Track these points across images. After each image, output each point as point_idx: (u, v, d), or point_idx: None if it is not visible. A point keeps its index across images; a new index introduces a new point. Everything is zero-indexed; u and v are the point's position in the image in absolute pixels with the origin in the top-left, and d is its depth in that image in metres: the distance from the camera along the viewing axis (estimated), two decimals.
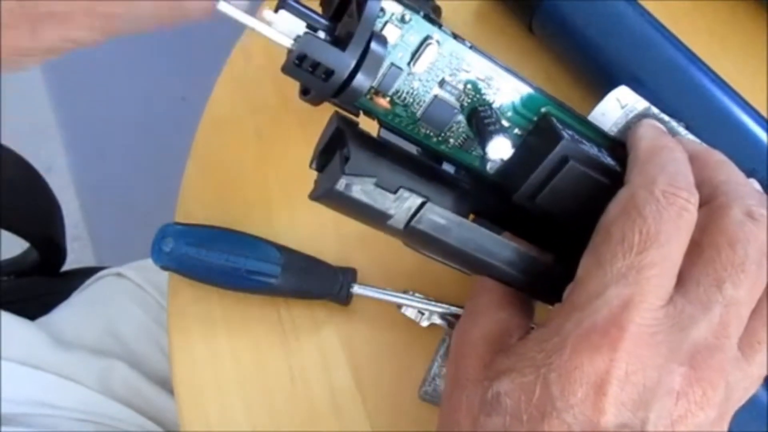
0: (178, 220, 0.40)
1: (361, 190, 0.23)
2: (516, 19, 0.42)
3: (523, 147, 0.26)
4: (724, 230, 0.23)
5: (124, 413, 0.49)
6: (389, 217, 0.24)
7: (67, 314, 0.56)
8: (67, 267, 0.65)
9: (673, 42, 0.37)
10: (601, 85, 0.39)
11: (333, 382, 0.37)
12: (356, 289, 0.37)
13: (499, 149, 0.23)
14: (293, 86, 0.39)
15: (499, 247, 0.26)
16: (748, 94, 0.36)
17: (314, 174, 0.42)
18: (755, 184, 0.28)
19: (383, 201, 0.24)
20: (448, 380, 0.26)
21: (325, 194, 0.24)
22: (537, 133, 0.26)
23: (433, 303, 0.37)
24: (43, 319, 0.55)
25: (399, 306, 0.38)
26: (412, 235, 0.25)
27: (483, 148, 0.23)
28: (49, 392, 0.48)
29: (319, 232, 0.40)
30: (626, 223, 0.22)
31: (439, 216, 0.25)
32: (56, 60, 0.32)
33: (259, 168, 0.42)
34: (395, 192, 0.24)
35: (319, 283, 0.37)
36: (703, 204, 0.24)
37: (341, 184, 0.23)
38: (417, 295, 0.38)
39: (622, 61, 0.37)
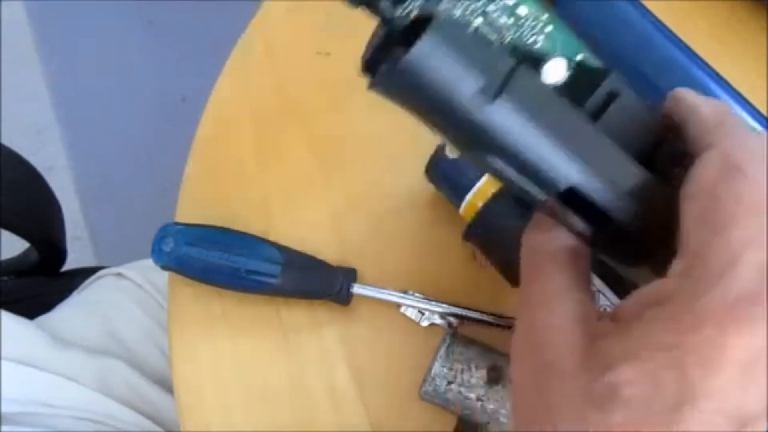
0: (178, 220, 0.40)
1: (453, 42, 0.20)
2: None
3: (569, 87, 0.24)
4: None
5: (123, 412, 0.49)
6: (478, 82, 0.20)
7: (67, 314, 0.56)
8: (67, 267, 0.65)
9: (675, 42, 0.37)
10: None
11: (333, 382, 0.37)
12: (356, 289, 0.37)
13: (556, 70, 0.22)
14: (293, 86, 0.39)
15: (610, 151, 0.21)
16: (748, 94, 0.36)
17: (314, 173, 0.43)
18: None
19: (478, 55, 0.20)
20: (523, 375, 0.23)
21: (411, 59, 0.19)
22: (582, 73, 0.24)
23: (433, 303, 0.37)
24: (42, 319, 0.55)
25: (399, 306, 0.38)
26: (498, 115, 0.20)
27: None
28: (49, 392, 0.48)
29: (319, 232, 0.40)
30: (735, 184, 0.20)
31: (536, 87, 0.20)
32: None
33: (259, 168, 0.42)
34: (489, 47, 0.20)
35: (319, 283, 0.37)
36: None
37: (431, 40, 0.19)
38: (417, 295, 0.38)
39: (624, 60, 0.37)
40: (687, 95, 0.25)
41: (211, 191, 0.42)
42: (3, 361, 0.47)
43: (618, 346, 0.20)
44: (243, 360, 0.38)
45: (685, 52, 0.36)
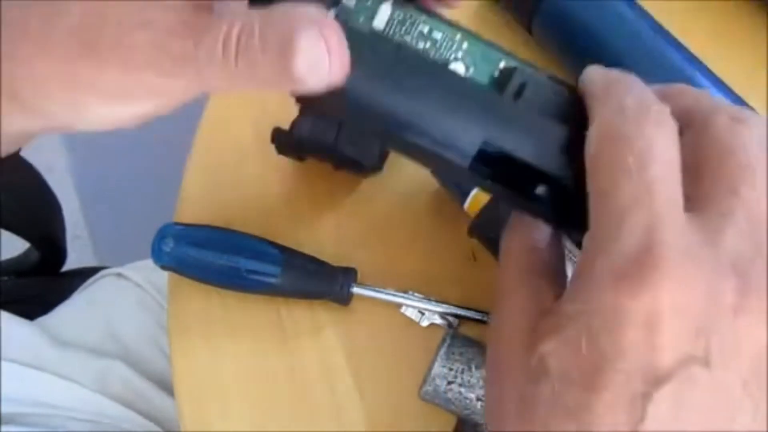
0: (178, 220, 0.40)
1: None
2: (516, 20, 0.42)
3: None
4: (716, 140, 0.21)
5: (123, 413, 0.49)
6: None
7: (67, 314, 0.57)
8: (67, 267, 0.65)
9: (672, 43, 0.37)
10: None
11: (333, 382, 0.37)
12: (356, 289, 0.37)
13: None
14: None
15: (509, 105, 0.23)
16: (748, 94, 0.36)
17: (315, 172, 0.43)
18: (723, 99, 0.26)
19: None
20: (489, 371, 0.24)
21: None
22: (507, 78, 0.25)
23: (433, 303, 0.37)
24: (42, 319, 0.55)
25: (399, 306, 0.38)
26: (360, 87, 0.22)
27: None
28: (49, 392, 0.48)
29: (319, 232, 0.40)
30: (613, 149, 0.21)
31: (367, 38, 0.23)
32: None
33: (259, 167, 0.42)
34: None
35: (319, 283, 0.37)
36: (683, 131, 0.22)
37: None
38: (417, 295, 0.38)
39: (621, 61, 0.37)
40: (588, 73, 0.25)
41: (211, 191, 0.42)
42: (3, 362, 0.48)
43: (548, 322, 0.21)
44: (243, 360, 0.38)
45: (682, 54, 0.37)
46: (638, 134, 0.21)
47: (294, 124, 0.38)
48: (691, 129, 0.23)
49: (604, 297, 0.19)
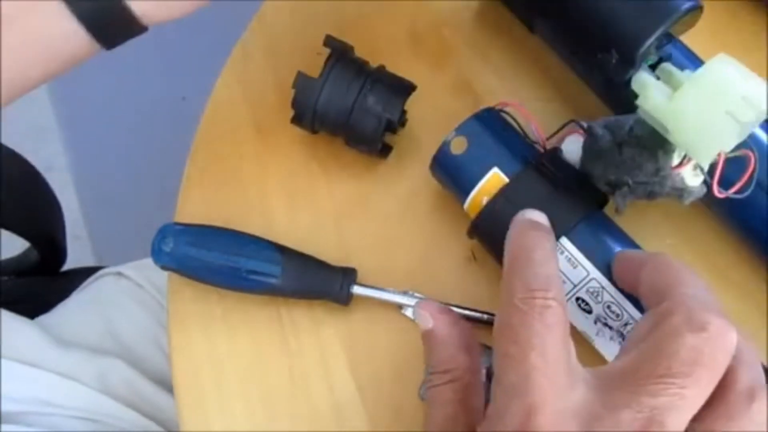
0: (178, 220, 0.40)
1: None
2: (516, 20, 0.42)
3: None
4: (664, 336, 0.23)
5: (123, 412, 0.49)
6: None
7: (67, 313, 0.56)
8: (67, 267, 0.65)
9: (673, 43, 0.37)
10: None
11: (333, 382, 0.37)
12: (356, 289, 0.37)
13: None
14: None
15: None
16: None
17: (315, 172, 0.42)
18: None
19: None
20: None
21: None
22: None
23: None
24: (43, 318, 0.55)
25: (399, 306, 0.38)
26: None
27: None
28: (49, 391, 0.48)
29: (319, 232, 0.40)
30: (502, 339, 0.24)
31: None
32: None
33: (260, 168, 0.42)
34: None
35: (319, 283, 0.37)
36: (653, 305, 0.25)
37: None
38: (417, 295, 0.38)
39: None
40: (508, 234, 0.29)
41: (211, 191, 0.42)
42: (3, 360, 0.48)
43: None
44: (243, 360, 0.38)
45: (684, 53, 0.36)
46: (522, 324, 0.24)
47: (318, 81, 0.38)
48: (655, 310, 0.25)
49: None
